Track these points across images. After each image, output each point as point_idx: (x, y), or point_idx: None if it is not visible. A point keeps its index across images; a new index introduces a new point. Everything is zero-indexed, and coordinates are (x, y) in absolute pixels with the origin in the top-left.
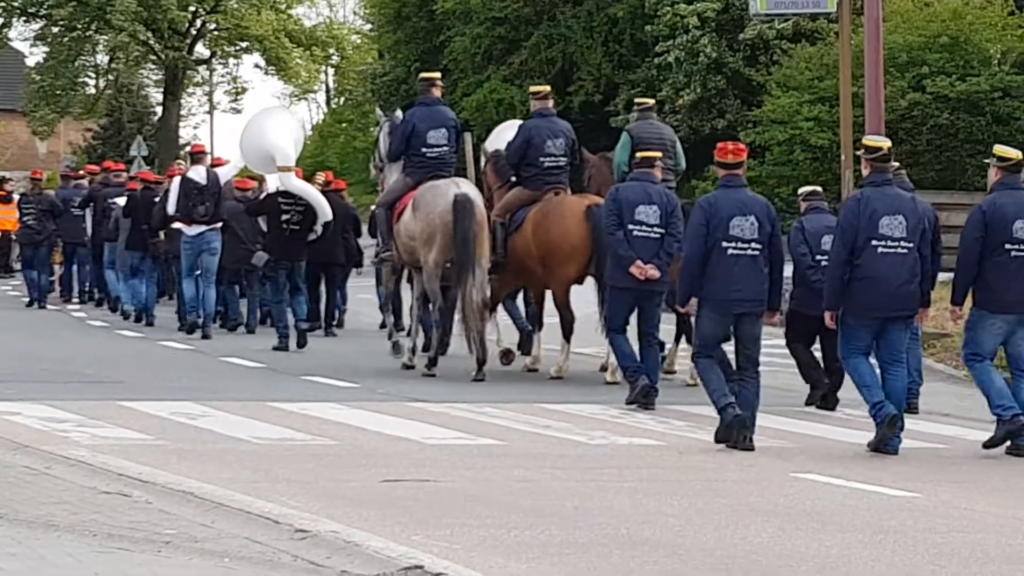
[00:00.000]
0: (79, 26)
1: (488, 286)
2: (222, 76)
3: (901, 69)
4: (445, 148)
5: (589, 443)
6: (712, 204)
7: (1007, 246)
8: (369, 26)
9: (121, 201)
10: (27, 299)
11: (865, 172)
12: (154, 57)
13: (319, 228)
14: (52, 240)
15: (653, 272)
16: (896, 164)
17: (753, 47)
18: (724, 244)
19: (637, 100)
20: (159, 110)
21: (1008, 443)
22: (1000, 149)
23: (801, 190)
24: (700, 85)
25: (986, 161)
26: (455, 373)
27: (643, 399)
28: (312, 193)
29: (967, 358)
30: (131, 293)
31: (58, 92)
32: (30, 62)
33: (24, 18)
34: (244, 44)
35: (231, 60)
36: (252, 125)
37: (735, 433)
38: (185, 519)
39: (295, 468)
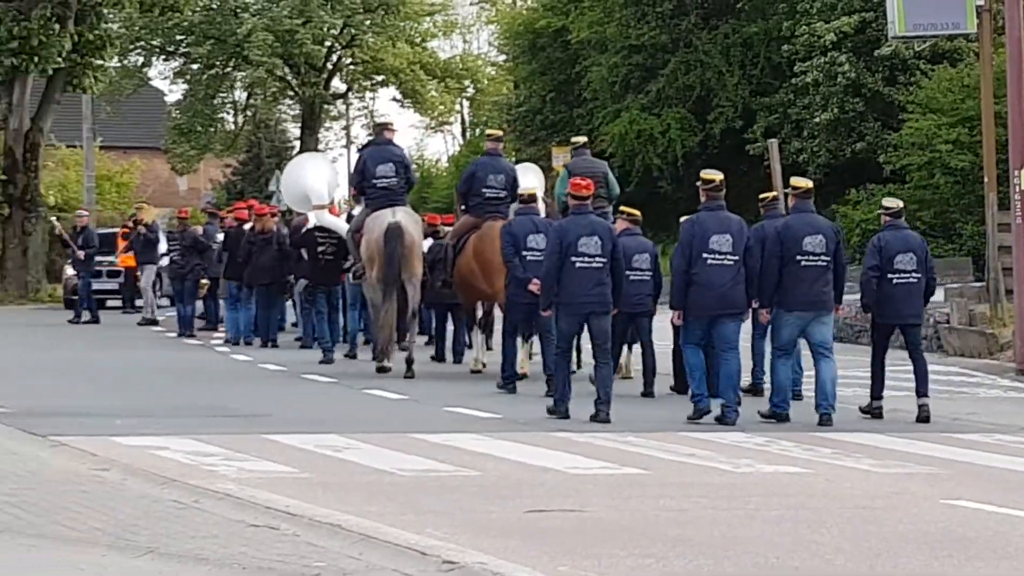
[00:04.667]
0: (217, 63)
1: (416, 300)
2: (359, 110)
3: None
4: (393, 180)
5: (734, 471)
6: (562, 228)
7: (798, 258)
8: (504, 57)
9: (220, 237)
10: (175, 333)
11: (703, 199)
12: (291, 92)
13: (352, 258)
14: (197, 273)
15: None
16: (774, 194)
17: (891, 67)
18: (574, 259)
19: (573, 139)
20: (297, 145)
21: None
22: (795, 180)
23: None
24: (837, 107)
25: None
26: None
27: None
28: (343, 228)
29: (774, 353)
30: (231, 323)
31: (197, 129)
32: (170, 99)
33: (163, 57)
34: (380, 77)
35: (367, 94)
36: (291, 170)
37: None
38: (333, 552)
39: (440, 499)
